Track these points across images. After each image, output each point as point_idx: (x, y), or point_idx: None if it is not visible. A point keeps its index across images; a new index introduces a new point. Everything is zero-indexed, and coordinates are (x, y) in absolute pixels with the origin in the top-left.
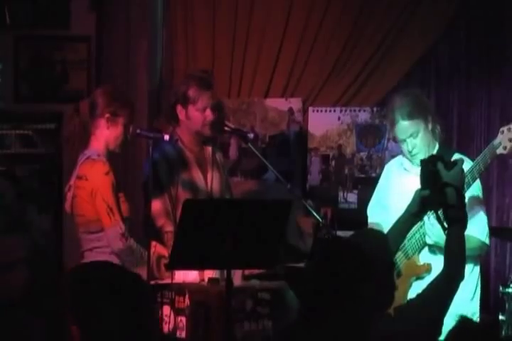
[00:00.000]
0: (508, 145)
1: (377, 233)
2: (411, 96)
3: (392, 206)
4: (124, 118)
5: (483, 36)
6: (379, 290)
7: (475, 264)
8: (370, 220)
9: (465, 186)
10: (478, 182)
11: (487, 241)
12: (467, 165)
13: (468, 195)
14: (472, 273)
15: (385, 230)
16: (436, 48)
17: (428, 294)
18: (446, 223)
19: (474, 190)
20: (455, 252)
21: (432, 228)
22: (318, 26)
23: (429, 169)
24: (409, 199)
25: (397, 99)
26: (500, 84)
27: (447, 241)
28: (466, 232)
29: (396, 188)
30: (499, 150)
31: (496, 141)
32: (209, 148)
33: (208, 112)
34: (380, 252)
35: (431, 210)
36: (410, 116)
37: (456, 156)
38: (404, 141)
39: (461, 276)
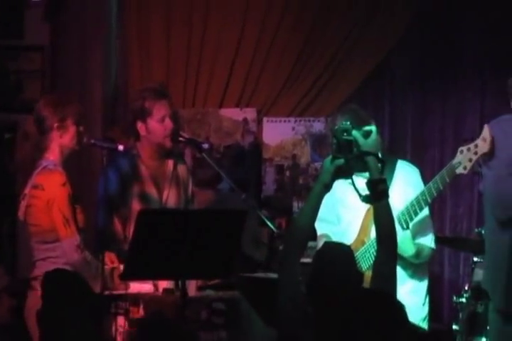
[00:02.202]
0: (467, 166)
1: (342, 247)
2: (350, 112)
3: (337, 219)
4: (73, 118)
5: (438, 48)
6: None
7: (426, 271)
8: (318, 233)
9: (423, 204)
10: None
11: (434, 245)
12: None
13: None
14: (423, 280)
15: (335, 239)
16: (391, 59)
17: (378, 273)
18: (374, 198)
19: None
20: (388, 226)
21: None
22: (273, 38)
23: (344, 138)
24: (356, 211)
25: (338, 115)
26: (454, 95)
27: (377, 216)
28: (420, 241)
29: (341, 200)
30: (459, 170)
31: (455, 161)
32: (171, 162)
33: (168, 122)
34: (351, 265)
35: (344, 178)
36: (357, 126)
37: (400, 163)
38: None
39: (396, 246)
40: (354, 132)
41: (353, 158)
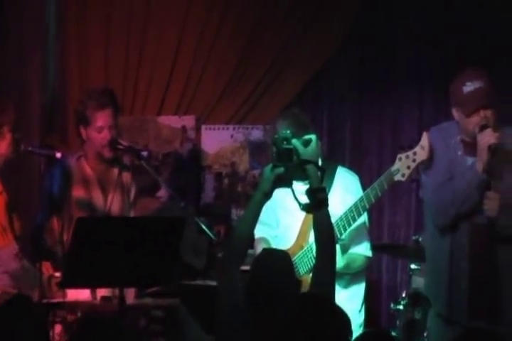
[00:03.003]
0: (406, 173)
1: (280, 254)
2: (291, 118)
3: (276, 223)
4: (9, 126)
5: (377, 57)
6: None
7: (363, 278)
8: (256, 236)
9: (361, 210)
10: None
11: (370, 254)
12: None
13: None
14: (360, 287)
15: (273, 245)
16: (329, 66)
17: (316, 280)
18: (314, 206)
19: (364, 216)
20: (327, 234)
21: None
22: (211, 46)
23: (284, 147)
24: (295, 215)
25: (279, 121)
26: (392, 103)
27: (317, 224)
28: (355, 251)
29: (279, 204)
30: (397, 177)
31: (394, 168)
32: (116, 168)
33: (105, 133)
34: (289, 272)
35: (284, 186)
36: (297, 135)
37: (340, 170)
38: None
39: (335, 254)
40: (294, 140)
41: (292, 166)
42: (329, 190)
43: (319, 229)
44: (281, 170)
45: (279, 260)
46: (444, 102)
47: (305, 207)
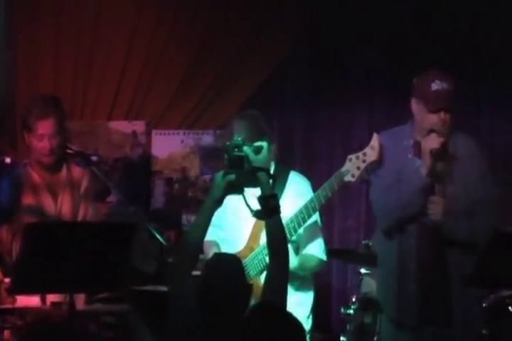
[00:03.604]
0: (356, 173)
1: (230, 258)
2: (248, 120)
3: (227, 225)
4: None
5: (327, 62)
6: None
7: (312, 283)
8: (206, 238)
9: (311, 211)
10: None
11: (324, 257)
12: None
13: (310, 220)
14: (309, 293)
15: (223, 247)
16: (280, 71)
17: (269, 286)
18: (265, 213)
19: (315, 216)
20: (279, 241)
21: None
22: (162, 50)
23: (236, 154)
24: (246, 218)
25: (235, 123)
26: (342, 108)
27: (269, 231)
28: (308, 252)
29: (231, 207)
30: (347, 178)
31: (344, 169)
32: (64, 167)
33: (45, 142)
34: (240, 277)
35: (235, 193)
36: (250, 140)
37: (292, 174)
38: None
39: (288, 261)
40: (245, 148)
41: (244, 173)
42: (281, 195)
43: (271, 236)
44: (232, 177)
45: (229, 264)
46: (394, 108)
47: (257, 214)
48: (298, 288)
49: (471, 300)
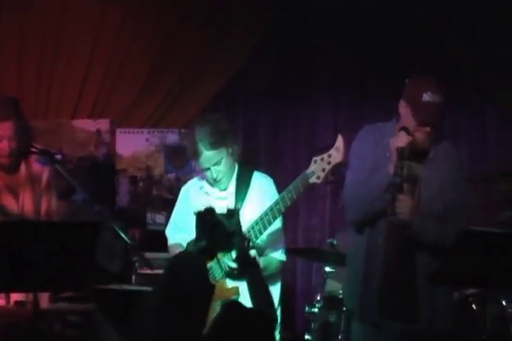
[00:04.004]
0: (321, 175)
1: (193, 257)
2: (210, 125)
3: (192, 228)
4: None
5: (292, 61)
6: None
7: (278, 281)
8: (170, 242)
9: (277, 213)
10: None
11: (284, 257)
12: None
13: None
14: (275, 290)
15: None
16: (246, 70)
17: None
18: (242, 272)
19: (280, 219)
20: (264, 296)
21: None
22: (126, 49)
23: (209, 220)
24: None
25: (197, 129)
26: (307, 107)
27: (251, 288)
28: (270, 255)
29: (197, 209)
30: (312, 180)
31: (309, 170)
32: (22, 166)
33: (4, 144)
34: (200, 276)
35: (209, 259)
36: (213, 146)
37: (255, 175)
38: (209, 169)
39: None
40: (218, 214)
41: (217, 239)
42: (245, 195)
43: (254, 293)
44: (203, 243)
45: (191, 263)
46: (358, 108)
47: (235, 274)
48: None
49: (440, 298)
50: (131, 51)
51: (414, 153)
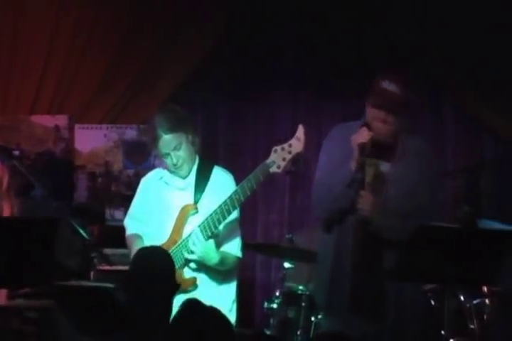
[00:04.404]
0: (281, 165)
1: (161, 253)
2: (170, 111)
3: (150, 219)
4: None
5: (252, 57)
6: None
7: (234, 277)
8: (129, 232)
9: (236, 203)
10: None
11: (240, 254)
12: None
13: (233, 214)
14: (230, 285)
15: (146, 240)
16: (205, 66)
17: None
18: None
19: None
20: None
21: (195, 245)
22: (85, 44)
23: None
24: (170, 211)
25: (157, 116)
26: (266, 104)
27: None
28: (227, 250)
29: (155, 200)
30: (272, 169)
31: (269, 160)
32: None
33: None
34: (167, 273)
35: None
36: (172, 130)
37: (215, 169)
38: (168, 154)
39: None
40: None
41: None
42: (204, 188)
43: None
44: None
45: (158, 257)
46: (317, 102)
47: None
48: (222, 282)
49: (406, 295)
50: (89, 47)
51: (378, 149)
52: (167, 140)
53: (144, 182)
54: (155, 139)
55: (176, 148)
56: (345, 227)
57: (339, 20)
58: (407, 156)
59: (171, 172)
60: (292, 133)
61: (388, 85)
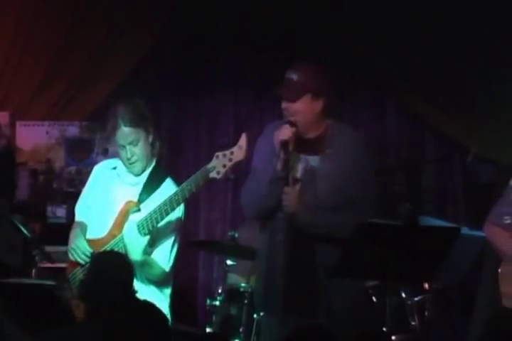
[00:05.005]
0: (221, 171)
1: (118, 256)
2: (134, 105)
3: (96, 207)
4: None
5: (194, 53)
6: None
7: (167, 286)
8: (76, 219)
9: (175, 204)
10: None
11: (168, 269)
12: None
13: (170, 217)
14: (167, 290)
15: (89, 229)
16: (146, 62)
17: None
18: None
19: (177, 212)
20: None
21: (131, 246)
22: (26, 42)
23: None
24: (114, 203)
25: (121, 105)
26: (208, 100)
27: None
28: (156, 258)
29: (103, 190)
30: (212, 174)
31: (210, 165)
32: None
33: None
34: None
35: None
36: (132, 123)
37: (168, 181)
38: (124, 147)
39: None
40: None
41: None
42: (152, 193)
43: None
44: None
45: (117, 262)
46: (259, 100)
47: None
48: (158, 287)
49: (340, 290)
50: (30, 44)
51: (305, 144)
52: (125, 132)
53: (97, 168)
54: (114, 128)
55: (132, 143)
56: (276, 225)
57: (282, 19)
58: (335, 149)
59: (125, 166)
60: (234, 129)
61: (289, 74)
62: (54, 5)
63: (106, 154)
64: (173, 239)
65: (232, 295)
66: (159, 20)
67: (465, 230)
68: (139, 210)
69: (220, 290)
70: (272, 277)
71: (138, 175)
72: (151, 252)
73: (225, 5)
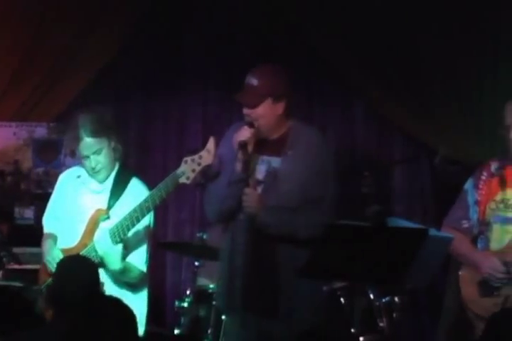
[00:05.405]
0: (191, 176)
1: (80, 258)
2: (96, 114)
3: (65, 217)
4: None
5: (162, 55)
6: None
7: (142, 287)
8: (45, 230)
9: (145, 211)
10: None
11: (145, 269)
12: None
13: (143, 222)
14: (141, 295)
15: (59, 240)
16: (115, 63)
17: None
18: None
19: (148, 218)
20: None
21: (98, 243)
22: None
23: None
24: (83, 212)
25: (82, 116)
26: (177, 101)
27: None
28: (133, 261)
29: (70, 199)
30: (182, 180)
31: (179, 170)
32: None
33: None
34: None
35: None
36: (95, 134)
37: (133, 180)
38: (88, 157)
39: None
40: None
41: None
42: (119, 196)
43: None
44: None
45: (85, 267)
46: (228, 101)
47: None
48: (134, 291)
49: (301, 291)
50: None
51: (265, 145)
52: (88, 143)
53: (62, 178)
54: (76, 139)
55: (96, 153)
56: (237, 226)
57: (250, 21)
58: (296, 150)
59: (89, 174)
60: (202, 130)
61: (248, 79)
62: (21, 6)
63: (74, 155)
64: (146, 240)
65: (201, 296)
66: (127, 21)
67: (433, 231)
68: (108, 218)
69: (188, 292)
70: (233, 278)
71: (103, 181)
72: (127, 255)
73: (193, 5)
